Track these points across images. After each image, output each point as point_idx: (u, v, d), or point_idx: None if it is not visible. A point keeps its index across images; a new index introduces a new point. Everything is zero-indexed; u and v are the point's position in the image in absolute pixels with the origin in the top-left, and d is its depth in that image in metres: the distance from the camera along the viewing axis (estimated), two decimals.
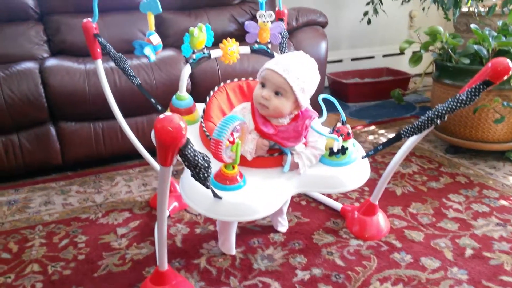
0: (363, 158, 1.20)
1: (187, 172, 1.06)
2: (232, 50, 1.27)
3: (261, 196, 1.02)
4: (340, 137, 1.13)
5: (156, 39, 1.28)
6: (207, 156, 0.85)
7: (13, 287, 1.23)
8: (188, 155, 0.79)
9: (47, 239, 1.45)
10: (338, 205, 1.56)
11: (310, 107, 1.17)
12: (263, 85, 1.08)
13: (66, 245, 1.41)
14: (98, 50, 1.43)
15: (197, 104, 1.34)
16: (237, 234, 1.37)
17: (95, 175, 1.91)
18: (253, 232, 1.45)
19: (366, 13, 2.76)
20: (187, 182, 1.03)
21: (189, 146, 0.78)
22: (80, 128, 1.89)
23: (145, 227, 1.50)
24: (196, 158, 0.81)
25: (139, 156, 1.66)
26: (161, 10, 1.25)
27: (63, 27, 2.19)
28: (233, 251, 1.34)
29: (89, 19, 1.38)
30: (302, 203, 1.61)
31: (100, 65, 1.46)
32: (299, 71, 1.05)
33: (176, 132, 0.72)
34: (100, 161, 2.00)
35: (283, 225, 1.44)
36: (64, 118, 1.86)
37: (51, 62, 1.88)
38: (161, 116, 0.73)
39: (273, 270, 1.26)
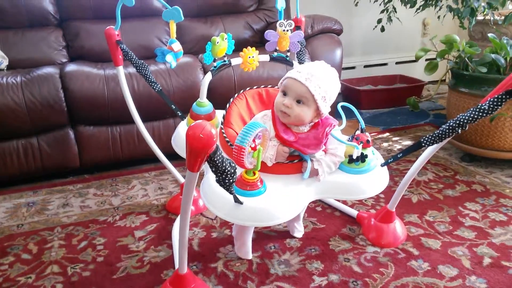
0: (382, 165, 1.20)
1: (207, 178, 1.08)
2: (252, 58, 1.29)
3: (281, 202, 1.03)
4: (360, 144, 1.14)
5: (177, 46, 1.30)
6: (233, 162, 0.86)
7: (34, 287, 1.25)
8: (217, 161, 0.80)
9: (66, 240, 1.47)
10: (354, 212, 1.56)
11: (329, 116, 1.18)
12: (284, 94, 1.09)
13: (85, 247, 1.44)
14: (120, 56, 1.45)
15: (216, 110, 1.35)
16: (253, 239, 1.38)
17: (111, 179, 1.93)
18: (269, 237, 1.45)
19: (379, 21, 2.77)
20: (208, 187, 1.05)
21: (218, 153, 0.79)
22: (98, 132, 1.92)
23: (162, 230, 1.52)
24: (224, 164, 0.83)
25: (155, 160, 1.68)
26: (183, 18, 1.27)
27: (82, 33, 2.24)
28: (250, 256, 1.35)
29: (112, 26, 1.41)
30: (317, 209, 1.62)
31: (121, 72, 1.49)
32: (321, 80, 1.07)
33: (207, 139, 0.74)
34: (117, 165, 2.02)
35: (299, 231, 1.45)
36: (82, 122, 1.90)
37: (71, 67, 1.92)
38: (192, 124, 0.75)
39: (290, 275, 1.27)
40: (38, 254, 1.40)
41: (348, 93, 2.95)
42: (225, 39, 1.25)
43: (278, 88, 1.16)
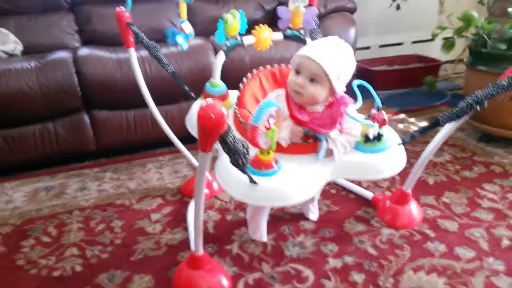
0: (399, 145, 1.18)
1: (222, 159, 1.07)
2: (265, 36, 1.26)
3: (296, 182, 1.03)
4: (376, 123, 1.12)
5: (188, 27, 1.28)
6: (246, 143, 0.86)
7: (54, 269, 1.28)
8: (229, 142, 0.80)
9: (84, 223, 1.50)
10: (369, 194, 1.55)
11: (344, 94, 1.16)
12: (297, 72, 1.08)
13: (103, 229, 1.46)
14: (131, 39, 1.44)
15: (230, 91, 1.34)
16: (268, 222, 1.38)
17: (127, 162, 1.95)
18: (283, 219, 1.46)
19: None
20: (223, 168, 1.05)
21: (229, 133, 0.79)
22: (113, 116, 1.93)
23: (177, 213, 1.53)
24: (236, 144, 0.82)
25: (169, 144, 1.68)
26: None
27: (94, 17, 2.23)
28: (265, 238, 1.35)
29: (122, 7, 1.40)
30: (332, 192, 1.61)
31: (133, 53, 1.48)
32: (335, 58, 1.04)
33: (217, 119, 0.74)
34: (132, 149, 2.04)
35: (313, 213, 1.45)
36: (97, 106, 1.91)
37: (84, 51, 1.92)
38: (203, 103, 0.74)
39: (305, 258, 1.27)
40: (57, 237, 1.43)
41: (362, 74, 2.90)
42: (237, 17, 1.22)
43: (291, 67, 1.14)
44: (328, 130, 1.08)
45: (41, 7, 2.21)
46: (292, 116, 1.09)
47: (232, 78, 1.38)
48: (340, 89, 1.08)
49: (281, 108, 1.02)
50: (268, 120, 0.95)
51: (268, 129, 0.96)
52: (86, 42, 2.21)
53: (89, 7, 2.26)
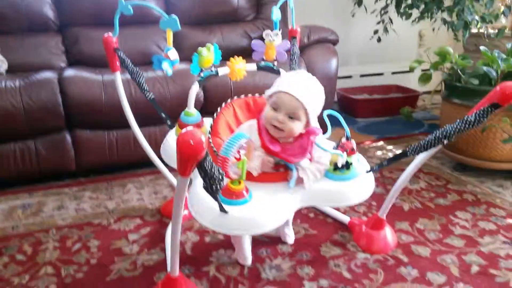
0: (367, 172, 1.22)
1: (195, 186, 1.09)
2: (239, 67, 1.32)
3: (267, 210, 1.04)
4: (345, 152, 1.16)
5: (173, 54, 1.32)
6: (221, 169, 0.89)
7: None
8: (206, 167, 0.83)
9: (60, 242, 1.49)
10: (345, 218, 1.58)
11: (316, 125, 1.20)
12: (275, 108, 1.10)
13: (79, 249, 1.45)
14: (117, 63, 1.48)
15: (204, 119, 1.38)
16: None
17: (107, 182, 1.95)
18: (261, 242, 1.47)
19: (376, 32, 2.81)
20: (195, 196, 1.06)
21: (208, 159, 0.82)
22: (95, 136, 1.95)
23: (155, 234, 1.53)
24: (213, 170, 0.85)
25: (150, 164, 1.70)
26: (180, 27, 1.30)
27: (81, 39, 2.27)
28: (248, 262, 1.35)
29: (110, 33, 1.44)
30: (310, 215, 1.64)
31: (118, 78, 1.52)
32: (312, 94, 1.09)
33: (197, 146, 0.77)
34: (113, 168, 2.04)
35: (289, 236, 1.47)
36: (79, 126, 1.92)
37: (70, 72, 1.95)
38: (183, 131, 0.78)
39: (281, 280, 1.28)
40: (32, 256, 1.42)
41: (344, 102, 2.99)
42: (212, 50, 1.28)
43: (266, 98, 1.16)
44: (298, 159, 1.11)
45: (28, 27, 2.23)
46: (264, 146, 1.12)
47: (217, 102, 1.42)
48: (314, 122, 1.13)
49: (251, 140, 1.05)
50: (238, 151, 0.98)
51: (238, 159, 0.99)
52: (72, 63, 2.24)
53: (77, 29, 2.30)
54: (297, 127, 1.10)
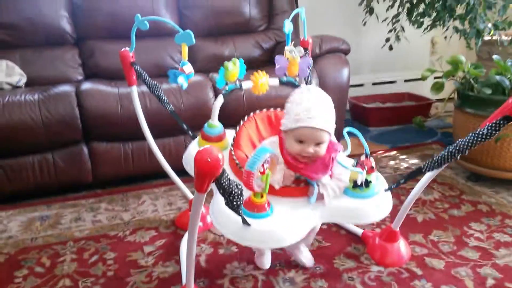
0: (385, 191, 1.23)
1: (217, 198, 1.12)
2: (262, 82, 1.34)
3: (287, 224, 1.06)
4: (364, 170, 1.17)
5: (188, 68, 1.35)
6: (240, 185, 0.91)
7: None
8: (224, 184, 0.85)
9: (78, 254, 1.52)
10: (359, 231, 1.58)
11: (334, 140, 1.21)
12: (300, 141, 1.10)
13: (96, 261, 1.48)
14: (134, 77, 1.51)
15: (226, 130, 1.40)
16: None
17: (122, 194, 1.98)
18: (275, 254, 1.48)
19: (388, 40, 2.81)
20: (217, 207, 1.08)
21: (224, 176, 0.84)
22: (111, 148, 1.98)
23: (170, 246, 1.56)
24: (231, 186, 0.87)
25: (164, 175, 1.72)
26: (194, 41, 1.32)
27: (97, 52, 2.32)
28: (267, 266, 1.38)
29: (127, 48, 1.47)
30: (323, 227, 1.64)
31: (135, 92, 1.55)
32: (330, 115, 1.11)
33: (214, 163, 0.79)
34: (128, 180, 2.07)
35: (306, 258, 1.43)
36: (96, 138, 1.96)
37: (87, 85, 1.99)
38: (200, 148, 0.80)
39: None
40: (51, 268, 1.45)
41: (356, 110, 2.99)
42: (237, 64, 1.30)
43: (282, 128, 1.16)
44: (320, 176, 1.13)
45: (46, 40, 2.29)
46: (287, 163, 1.14)
47: (230, 114, 1.44)
48: (333, 136, 1.15)
49: (276, 154, 1.07)
50: (263, 165, 1.00)
51: (262, 173, 1.01)
52: (89, 76, 2.29)
53: (93, 42, 2.35)
54: (324, 149, 1.12)
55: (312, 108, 1.09)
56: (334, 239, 1.57)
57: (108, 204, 1.89)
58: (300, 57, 1.38)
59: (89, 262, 1.47)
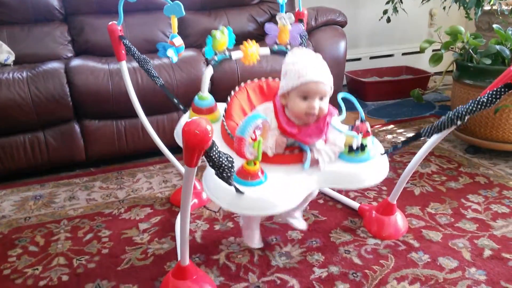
0: (382, 154, 1.21)
1: (210, 169, 1.09)
2: (252, 51, 1.29)
3: (281, 191, 1.05)
4: (359, 134, 1.14)
5: (178, 41, 1.31)
6: (230, 157, 0.88)
7: (41, 279, 1.28)
8: (213, 157, 0.82)
9: (72, 233, 1.51)
10: (355, 204, 1.57)
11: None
12: (305, 98, 1.08)
13: (90, 239, 1.47)
14: (123, 51, 1.47)
15: (218, 103, 1.36)
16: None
17: (117, 172, 1.96)
18: (271, 229, 1.47)
19: (385, 12, 2.75)
20: (210, 178, 1.06)
21: (214, 148, 0.81)
22: (103, 126, 1.95)
23: (166, 223, 1.54)
24: (221, 159, 0.84)
25: (159, 153, 1.70)
26: (184, 13, 1.27)
27: (87, 28, 2.26)
28: (258, 245, 1.34)
29: (114, 22, 1.42)
30: (319, 202, 1.63)
31: (124, 67, 1.51)
32: (327, 69, 1.10)
33: (202, 136, 0.76)
34: (122, 158, 2.05)
35: (299, 221, 1.42)
36: (88, 116, 1.93)
37: (76, 62, 1.94)
38: (189, 119, 0.77)
39: (291, 267, 1.29)
40: (45, 246, 1.44)
41: (353, 85, 2.95)
42: (225, 33, 1.26)
43: (284, 88, 1.13)
44: (314, 140, 1.11)
45: (34, 17, 2.23)
46: (281, 128, 1.11)
47: (224, 89, 1.40)
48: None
49: (268, 120, 1.04)
50: (254, 132, 0.97)
51: (254, 140, 0.98)
52: (79, 53, 2.24)
53: (82, 17, 2.28)
54: (327, 105, 1.11)
55: (311, 63, 1.09)
56: (330, 213, 1.56)
57: (103, 182, 1.87)
58: (291, 24, 1.33)
59: (84, 240, 1.46)
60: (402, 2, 2.69)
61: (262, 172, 1.06)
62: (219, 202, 1.05)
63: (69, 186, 1.85)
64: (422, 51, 2.17)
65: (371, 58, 3.20)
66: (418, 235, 1.41)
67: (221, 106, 1.32)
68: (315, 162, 1.11)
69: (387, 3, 2.72)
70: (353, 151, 1.15)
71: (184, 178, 0.94)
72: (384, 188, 1.70)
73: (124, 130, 1.98)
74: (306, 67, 1.08)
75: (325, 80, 1.08)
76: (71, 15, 2.30)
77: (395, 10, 2.71)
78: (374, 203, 1.59)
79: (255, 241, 1.34)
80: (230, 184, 0.96)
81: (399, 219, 1.44)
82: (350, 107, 1.21)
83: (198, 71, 1.98)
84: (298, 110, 1.10)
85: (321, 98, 1.09)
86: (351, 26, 2.67)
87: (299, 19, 1.55)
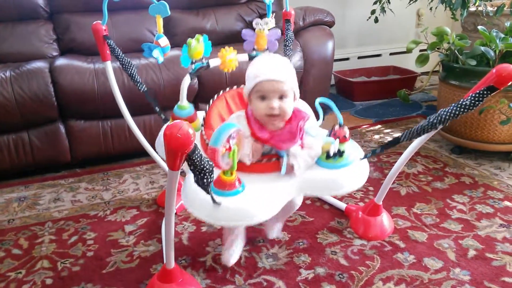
0: (361, 159, 1.20)
1: (188, 179, 1.08)
2: (230, 58, 1.29)
3: (259, 200, 1.03)
4: (337, 139, 1.14)
5: (164, 41, 1.30)
6: (212, 161, 0.87)
7: (24, 283, 1.26)
8: (195, 160, 0.81)
9: (56, 235, 1.49)
10: (342, 205, 1.57)
11: (302, 108, 1.18)
12: (263, 98, 1.08)
13: (75, 241, 1.45)
14: (108, 51, 1.45)
15: (198, 112, 1.36)
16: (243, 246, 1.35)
17: (103, 173, 1.94)
18: (258, 230, 1.46)
19: (373, 12, 2.76)
20: (189, 189, 1.05)
21: (196, 152, 0.80)
22: (89, 126, 1.92)
23: (152, 225, 1.53)
24: (202, 163, 0.83)
25: (146, 154, 1.69)
26: (169, 13, 1.27)
27: (73, 26, 2.23)
28: (229, 263, 1.28)
29: (99, 21, 1.40)
30: (306, 203, 1.63)
31: (109, 67, 1.49)
32: (287, 69, 1.09)
33: (184, 139, 0.75)
34: (108, 159, 2.03)
35: (274, 231, 1.41)
36: (73, 116, 1.90)
37: (61, 61, 1.92)
38: (171, 123, 0.76)
39: (278, 269, 1.28)
40: (28, 249, 1.42)
41: (342, 84, 2.96)
42: (201, 41, 1.25)
43: (245, 95, 1.13)
44: (288, 145, 1.09)
45: (18, 15, 2.19)
46: (253, 135, 1.10)
47: (212, 91, 1.39)
48: (298, 94, 1.12)
49: (241, 129, 1.03)
50: (228, 141, 0.96)
51: (228, 150, 0.97)
52: (64, 51, 2.20)
53: (68, 15, 2.25)
54: (290, 105, 1.09)
55: (267, 63, 1.09)
56: (317, 214, 1.56)
57: (88, 183, 1.85)
58: (269, 29, 1.33)
59: (68, 243, 1.44)
60: (389, 3, 2.71)
61: (240, 181, 1.04)
62: (197, 213, 1.03)
63: (54, 187, 1.83)
64: (409, 51, 2.18)
65: (359, 58, 3.21)
66: (404, 236, 1.42)
67: (201, 115, 1.32)
68: (291, 168, 1.09)
69: (375, 3, 2.74)
70: (330, 157, 1.13)
71: (168, 181, 0.93)
72: (371, 188, 1.70)
73: (110, 131, 1.96)
74: (262, 67, 1.08)
75: (282, 78, 1.06)
76: (57, 13, 2.27)
77: (383, 10, 2.72)
78: (361, 204, 1.60)
79: (227, 259, 1.28)
80: (207, 191, 0.94)
81: (385, 220, 1.44)
82: (339, 108, 1.20)
83: (185, 71, 1.94)
84: (258, 111, 1.09)
85: (280, 98, 1.07)
86: (340, 26, 2.67)
87: (286, 19, 1.55)
